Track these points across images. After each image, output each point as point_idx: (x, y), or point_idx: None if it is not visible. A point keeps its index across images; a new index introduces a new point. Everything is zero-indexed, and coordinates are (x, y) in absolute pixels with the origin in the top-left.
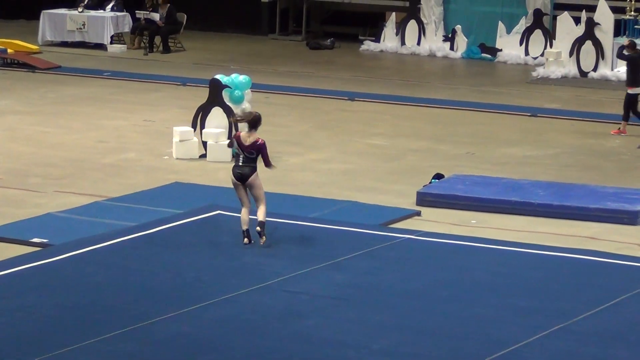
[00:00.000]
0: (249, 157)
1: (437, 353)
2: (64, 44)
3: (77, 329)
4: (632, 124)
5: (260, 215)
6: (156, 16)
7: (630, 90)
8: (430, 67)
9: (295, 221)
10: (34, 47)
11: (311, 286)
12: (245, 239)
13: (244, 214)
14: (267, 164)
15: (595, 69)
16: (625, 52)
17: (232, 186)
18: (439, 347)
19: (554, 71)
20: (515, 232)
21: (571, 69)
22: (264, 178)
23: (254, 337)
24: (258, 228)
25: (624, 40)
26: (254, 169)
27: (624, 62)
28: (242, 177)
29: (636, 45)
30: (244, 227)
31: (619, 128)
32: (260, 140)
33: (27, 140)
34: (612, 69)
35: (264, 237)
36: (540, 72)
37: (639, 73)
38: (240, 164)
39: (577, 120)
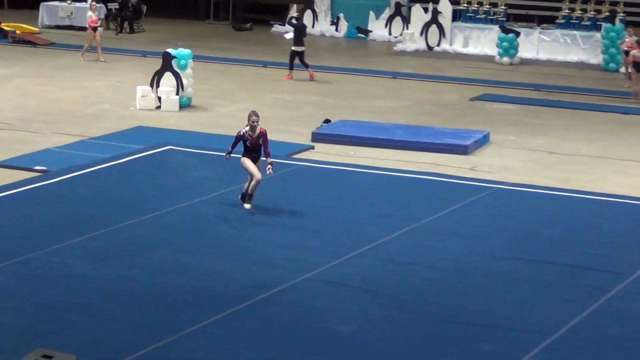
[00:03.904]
0: (255, 148)
1: (324, 246)
2: (57, 27)
3: (68, 231)
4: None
5: (254, 187)
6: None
7: (295, 48)
8: (321, 43)
9: (224, 153)
10: (35, 29)
11: (236, 199)
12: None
13: (247, 183)
14: (267, 154)
15: (438, 45)
16: (293, 21)
17: (182, 128)
18: (324, 242)
19: (409, 46)
20: (381, 160)
21: (421, 45)
22: (205, 124)
23: (193, 236)
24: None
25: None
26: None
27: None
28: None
29: (301, 17)
30: (244, 192)
31: (288, 74)
32: (262, 129)
33: (31, 96)
34: (450, 45)
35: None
36: (399, 47)
37: (301, 37)
38: (249, 151)
39: (425, 81)
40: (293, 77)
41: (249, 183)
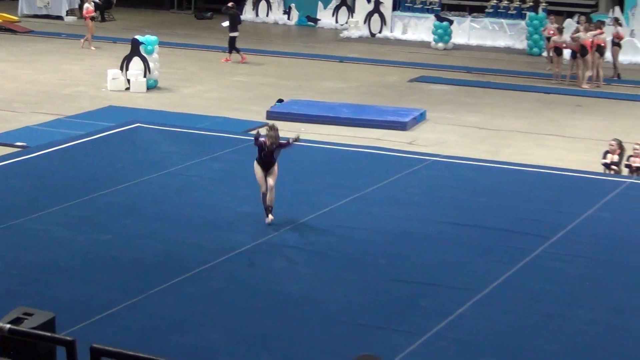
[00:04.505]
0: (270, 152)
1: (279, 213)
2: (36, 16)
3: (47, 201)
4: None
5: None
6: None
7: (231, 34)
8: (275, 31)
9: (188, 130)
10: (15, 18)
11: (199, 171)
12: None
13: (263, 193)
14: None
15: (380, 32)
16: (228, 10)
17: (149, 107)
18: (279, 209)
19: (354, 33)
20: (329, 136)
21: (365, 32)
22: (170, 104)
23: (161, 204)
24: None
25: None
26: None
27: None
28: (265, 165)
29: (235, 6)
30: (264, 205)
31: (226, 58)
32: (283, 143)
33: (12, 79)
34: (391, 32)
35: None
36: (345, 34)
37: (236, 23)
38: (263, 156)
39: (368, 65)
40: (231, 60)
41: (264, 194)
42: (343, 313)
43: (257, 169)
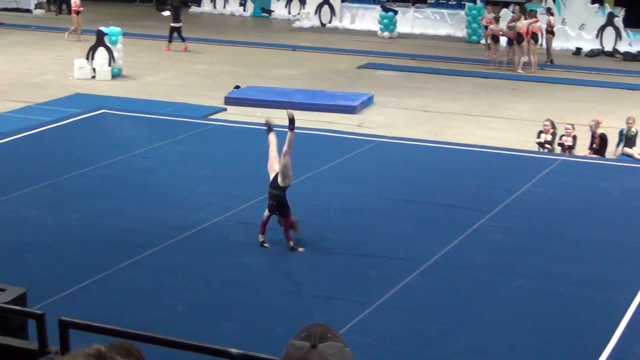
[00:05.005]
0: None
1: (237, 191)
2: (5, 9)
3: (18, 183)
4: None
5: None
6: None
7: (173, 24)
8: (232, 22)
9: (151, 115)
10: None
11: (162, 154)
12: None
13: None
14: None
15: (330, 22)
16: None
17: (114, 94)
18: (237, 188)
19: (306, 23)
20: (283, 119)
21: (316, 22)
22: (134, 91)
23: (125, 185)
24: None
25: None
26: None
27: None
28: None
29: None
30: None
31: (167, 47)
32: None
33: None
34: (340, 22)
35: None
36: (297, 24)
37: (178, 14)
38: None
39: (320, 53)
40: (170, 49)
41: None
42: (297, 284)
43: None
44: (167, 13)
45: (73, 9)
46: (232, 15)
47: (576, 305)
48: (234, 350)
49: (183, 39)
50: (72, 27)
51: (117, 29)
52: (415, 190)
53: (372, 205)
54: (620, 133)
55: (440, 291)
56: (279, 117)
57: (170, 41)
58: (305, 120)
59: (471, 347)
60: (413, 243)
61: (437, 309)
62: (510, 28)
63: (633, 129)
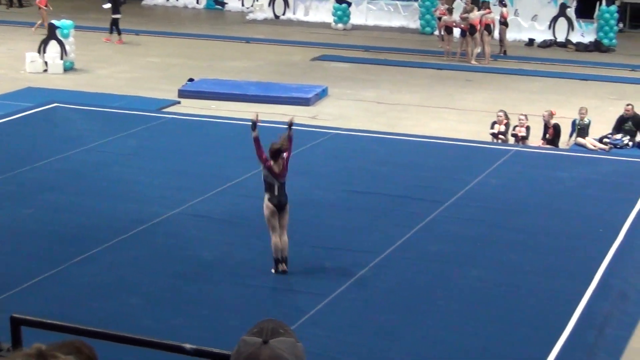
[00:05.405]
0: (283, 184)
1: (191, 185)
2: None
3: None
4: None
5: (285, 247)
6: None
7: (113, 16)
8: (185, 14)
9: (104, 109)
10: None
11: (115, 148)
12: (280, 266)
13: (276, 241)
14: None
15: (284, 14)
16: None
17: (66, 88)
18: (191, 182)
19: (259, 15)
20: (237, 112)
21: (269, 14)
22: (86, 84)
23: (79, 179)
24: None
25: None
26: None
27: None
28: (280, 204)
29: None
30: (276, 256)
31: (107, 38)
32: (285, 154)
33: None
34: (293, 14)
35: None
36: (251, 16)
37: (117, 6)
38: (276, 193)
39: (273, 45)
40: (111, 40)
41: (276, 242)
42: (252, 277)
43: (269, 209)
44: (107, 5)
45: (39, 4)
46: (185, 7)
47: (531, 294)
48: (187, 345)
49: (119, 32)
50: (40, 22)
51: (69, 22)
52: (370, 181)
53: (327, 197)
54: (573, 123)
55: (395, 282)
56: (234, 109)
57: (111, 32)
58: (260, 112)
59: (427, 337)
60: (368, 235)
61: (392, 300)
62: (463, 19)
63: (585, 119)
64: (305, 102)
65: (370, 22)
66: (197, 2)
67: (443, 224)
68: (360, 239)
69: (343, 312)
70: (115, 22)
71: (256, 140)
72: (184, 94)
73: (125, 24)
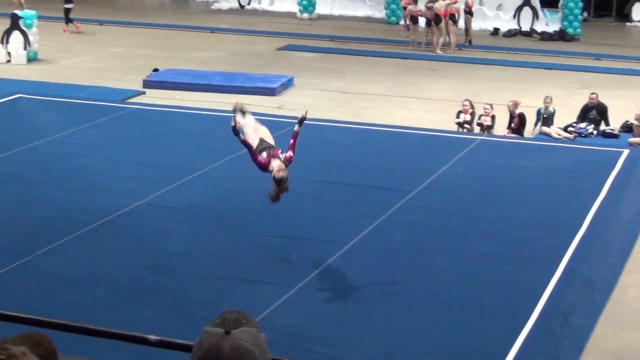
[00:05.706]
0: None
1: (157, 175)
2: None
3: None
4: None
5: None
6: None
7: (65, 5)
8: (149, 4)
9: (68, 99)
10: None
11: (80, 139)
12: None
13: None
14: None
15: (249, 3)
16: None
17: (30, 79)
18: (157, 172)
19: (224, 5)
20: (202, 102)
21: (234, 4)
22: (50, 75)
23: (45, 170)
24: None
25: None
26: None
27: None
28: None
29: None
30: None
31: (64, 29)
32: (288, 157)
33: None
34: (259, 3)
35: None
36: (216, 6)
37: None
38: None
39: (238, 35)
40: (68, 30)
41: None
42: (218, 268)
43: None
44: None
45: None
46: None
47: (497, 283)
48: (151, 337)
49: (69, 21)
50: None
51: (32, 12)
52: (335, 171)
53: (292, 187)
54: (538, 112)
55: (362, 272)
56: (199, 99)
57: (67, 23)
58: (225, 102)
59: (394, 327)
60: (334, 224)
61: (359, 290)
62: (428, 9)
63: (550, 108)
64: (270, 92)
65: (336, 11)
66: None
67: (409, 214)
68: (326, 228)
69: (310, 302)
70: (67, 12)
71: (244, 143)
72: (148, 84)
73: (89, 14)
